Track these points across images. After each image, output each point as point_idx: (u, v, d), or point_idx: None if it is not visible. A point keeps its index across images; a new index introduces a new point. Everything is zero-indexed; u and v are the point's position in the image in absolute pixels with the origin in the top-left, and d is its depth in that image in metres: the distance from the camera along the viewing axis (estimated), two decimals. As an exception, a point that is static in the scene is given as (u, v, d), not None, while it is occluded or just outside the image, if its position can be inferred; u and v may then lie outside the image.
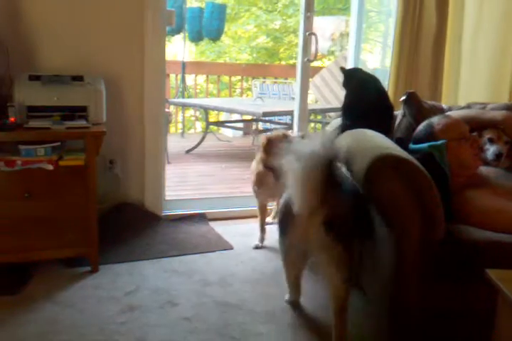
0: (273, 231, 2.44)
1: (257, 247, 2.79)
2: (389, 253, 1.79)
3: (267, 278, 2.42)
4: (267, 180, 2.68)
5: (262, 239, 2.82)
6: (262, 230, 2.85)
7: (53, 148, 2.27)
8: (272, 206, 3.09)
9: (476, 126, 2.24)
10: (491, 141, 2.22)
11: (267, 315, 2.10)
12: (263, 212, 2.86)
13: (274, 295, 2.27)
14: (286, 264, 2.05)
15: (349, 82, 2.44)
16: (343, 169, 1.92)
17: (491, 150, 2.20)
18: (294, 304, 2.16)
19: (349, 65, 3.55)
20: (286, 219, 1.85)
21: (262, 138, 2.71)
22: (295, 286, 2.15)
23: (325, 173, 1.66)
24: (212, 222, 3.13)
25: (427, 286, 1.74)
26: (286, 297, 2.19)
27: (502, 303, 1.27)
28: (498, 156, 2.18)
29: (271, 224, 3.01)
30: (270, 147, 2.60)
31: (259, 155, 2.74)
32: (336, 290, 1.81)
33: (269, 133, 2.77)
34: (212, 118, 6.57)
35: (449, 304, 1.77)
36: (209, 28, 6.79)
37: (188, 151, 5.55)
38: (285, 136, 2.63)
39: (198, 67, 7.28)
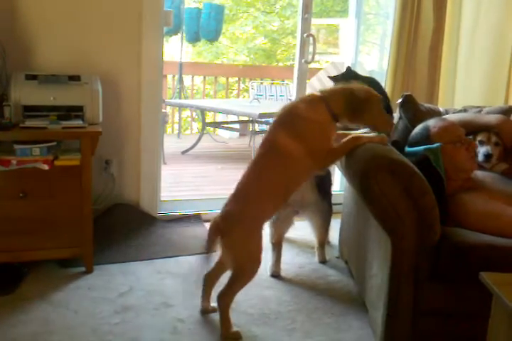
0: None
1: None
2: (385, 255, 1.79)
3: (262, 280, 2.42)
4: None
5: None
6: None
7: (49, 148, 2.26)
8: None
9: (472, 129, 2.25)
10: (481, 143, 2.23)
11: (262, 317, 2.10)
12: None
13: (269, 298, 2.27)
14: (274, 226, 2.50)
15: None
16: None
17: (480, 151, 2.22)
18: (276, 275, 2.48)
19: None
20: None
21: None
22: (277, 256, 2.51)
23: None
24: (207, 223, 3.11)
25: (422, 288, 1.75)
26: (269, 272, 2.49)
27: (496, 306, 1.27)
28: (487, 157, 2.20)
29: None
30: None
31: None
32: (319, 228, 2.62)
33: None
34: (208, 120, 6.56)
35: (444, 305, 1.77)
36: (207, 28, 6.78)
37: (184, 152, 5.55)
38: None
39: (195, 67, 7.28)
